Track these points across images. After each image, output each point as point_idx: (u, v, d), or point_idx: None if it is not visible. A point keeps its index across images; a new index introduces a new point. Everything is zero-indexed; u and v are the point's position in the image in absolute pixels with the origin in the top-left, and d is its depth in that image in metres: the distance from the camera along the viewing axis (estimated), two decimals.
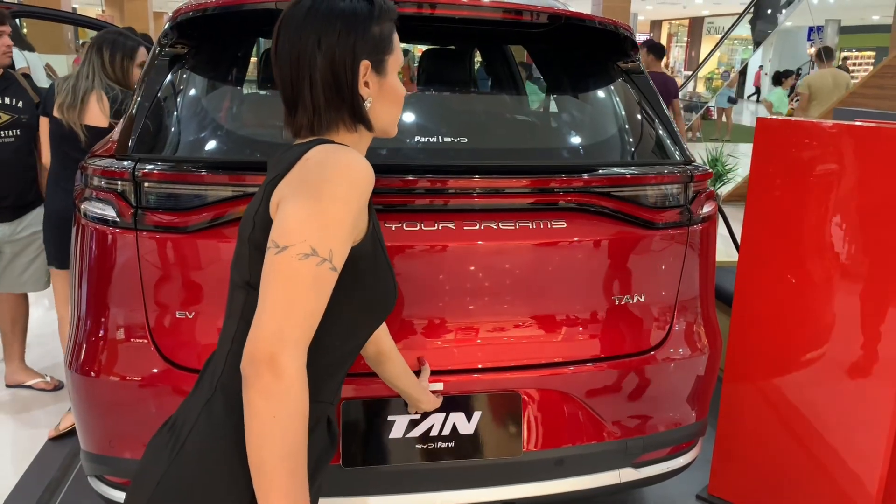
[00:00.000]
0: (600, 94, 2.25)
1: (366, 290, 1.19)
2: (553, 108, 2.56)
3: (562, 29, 2.03)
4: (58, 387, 3.33)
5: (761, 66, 19.78)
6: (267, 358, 0.98)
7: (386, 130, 1.26)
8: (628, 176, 1.89)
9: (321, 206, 1.03)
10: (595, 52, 2.22)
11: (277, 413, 0.99)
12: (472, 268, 1.80)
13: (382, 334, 1.55)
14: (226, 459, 1.07)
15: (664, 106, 2.13)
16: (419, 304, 1.79)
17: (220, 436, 1.09)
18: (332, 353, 1.19)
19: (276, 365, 0.98)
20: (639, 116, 2.11)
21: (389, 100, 1.22)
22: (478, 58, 3.92)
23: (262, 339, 0.99)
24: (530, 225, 1.81)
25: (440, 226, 1.76)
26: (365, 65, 1.16)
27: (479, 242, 1.78)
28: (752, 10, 8.70)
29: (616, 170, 1.93)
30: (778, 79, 12.23)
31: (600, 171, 1.89)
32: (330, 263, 1.02)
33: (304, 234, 1.01)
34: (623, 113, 2.13)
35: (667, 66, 31.37)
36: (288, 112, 1.20)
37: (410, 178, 1.75)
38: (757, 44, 9.71)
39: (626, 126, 2.10)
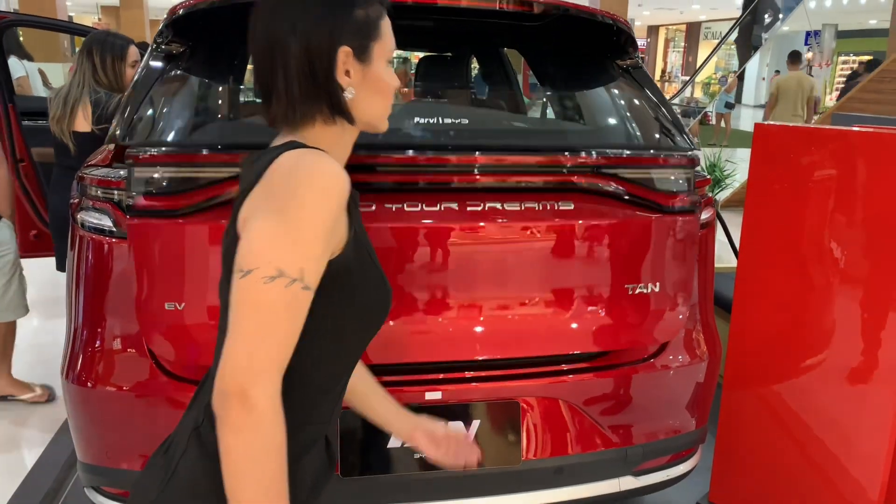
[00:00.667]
0: (601, 93, 2.25)
1: (354, 301, 1.10)
2: (552, 110, 2.55)
3: (560, 22, 2.01)
4: (51, 397, 3.25)
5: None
6: (236, 391, 0.92)
7: (372, 124, 1.16)
8: (630, 155, 1.88)
9: (287, 222, 0.94)
10: (593, 51, 2.21)
11: (250, 449, 0.93)
12: (470, 264, 1.78)
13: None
14: (216, 487, 1.00)
15: (667, 101, 2.13)
16: (412, 299, 1.76)
17: (210, 463, 1.02)
18: (323, 370, 1.12)
19: (246, 399, 0.92)
20: (642, 112, 2.10)
21: (375, 91, 1.12)
22: (474, 65, 3.92)
23: (230, 373, 0.93)
24: (528, 222, 1.79)
25: (442, 206, 1.74)
26: (345, 51, 1.06)
27: (480, 231, 1.76)
28: (747, 17, 8.80)
29: (620, 151, 1.92)
30: None
31: (605, 151, 1.88)
32: (301, 283, 0.95)
33: (270, 255, 0.93)
34: (627, 112, 2.12)
35: (664, 70, 31.51)
36: (264, 102, 1.11)
37: (409, 153, 1.74)
38: (754, 48, 9.76)
39: (632, 124, 2.09)
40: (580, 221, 1.81)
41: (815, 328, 2.16)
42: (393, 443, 1.75)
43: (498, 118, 2.25)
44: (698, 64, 25.74)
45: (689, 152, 1.97)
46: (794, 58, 9.06)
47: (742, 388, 2.34)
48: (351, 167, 1.69)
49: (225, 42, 2.13)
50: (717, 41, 16.03)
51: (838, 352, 2.11)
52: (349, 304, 1.09)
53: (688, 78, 15.97)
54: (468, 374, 1.83)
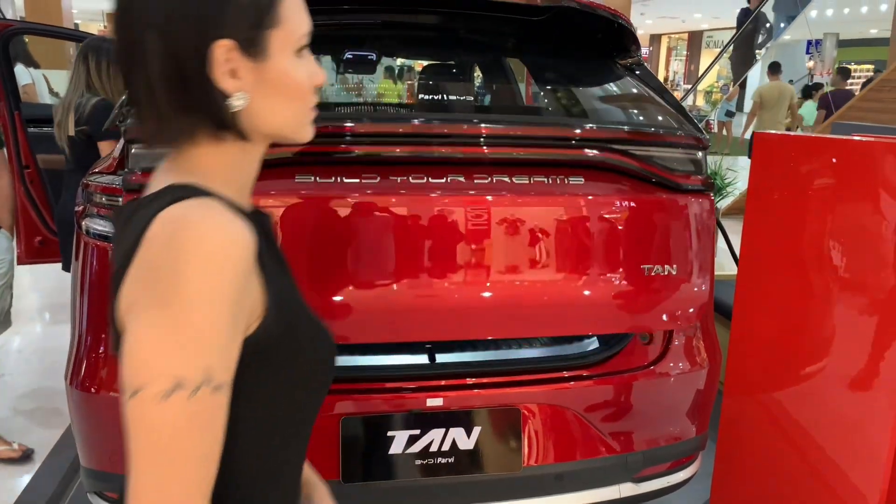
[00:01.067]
0: (605, 92, 2.26)
1: (287, 373, 0.88)
2: (557, 112, 2.56)
3: (562, 17, 2.02)
4: (26, 455, 2.87)
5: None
6: None
7: (282, 135, 0.89)
8: (639, 131, 1.86)
9: (175, 317, 0.73)
10: (595, 51, 2.22)
11: None
12: (474, 236, 1.74)
13: None
14: None
15: (672, 95, 2.14)
16: (416, 272, 1.72)
17: None
18: (269, 457, 0.90)
19: None
20: (648, 107, 2.12)
21: (279, 93, 0.85)
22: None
23: None
24: (537, 195, 1.77)
25: (449, 178, 1.72)
26: (224, 46, 0.80)
27: (487, 204, 1.74)
28: (742, 33, 9.04)
29: (625, 127, 1.90)
30: (808, 92, 12.32)
31: (612, 126, 1.87)
32: (210, 385, 0.74)
33: (160, 364, 0.72)
34: (632, 108, 2.13)
35: (666, 79, 31.59)
36: (135, 116, 0.87)
37: (415, 122, 1.72)
38: (754, 61, 9.92)
39: (639, 118, 2.10)
40: (590, 197, 1.78)
41: (814, 335, 2.17)
42: (394, 449, 1.76)
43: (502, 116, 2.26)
44: (700, 72, 25.82)
45: (699, 134, 1.94)
46: (774, 69, 9.57)
47: (742, 394, 2.35)
48: (351, 135, 1.70)
49: None
50: (718, 50, 16.10)
51: (838, 359, 2.12)
52: (282, 377, 0.88)
53: (690, 86, 16.03)
54: (469, 381, 1.84)
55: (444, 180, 1.72)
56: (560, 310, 1.81)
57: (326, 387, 0.96)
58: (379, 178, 1.69)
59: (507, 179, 1.75)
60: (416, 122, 1.73)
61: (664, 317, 1.91)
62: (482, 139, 1.74)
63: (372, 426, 1.76)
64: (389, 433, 1.76)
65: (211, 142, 0.85)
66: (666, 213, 1.86)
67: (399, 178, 1.70)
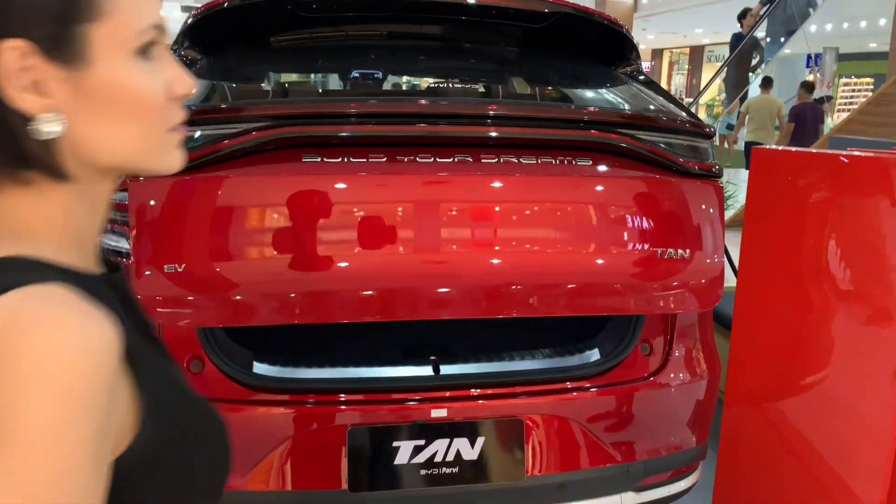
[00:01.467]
0: (609, 94, 2.31)
1: (175, 485, 0.69)
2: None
3: (563, 24, 2.07)
4: None
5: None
6: None
7: (131, 166, 0.65)
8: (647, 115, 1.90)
9: (12, 470, 0.51)
10: (597, 63, 2.27)
11: None
12: (481, 216, 1.74)
13: None
14: None
15: (675, 98, 2.19)
16: (422, 251, 1.72)
17: None
18: None
19: None
20: (652, 105, 2.16)
21: (114, 110, 0.61)
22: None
23: None
24: (544, 176, 1.78)
25: (456, 158, 1.73)
26: (14, 48, 0.56)
27: (494, 184, 1.74)
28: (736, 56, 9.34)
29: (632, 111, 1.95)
30: None
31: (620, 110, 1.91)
32: None
33: None
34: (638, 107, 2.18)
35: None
36: None
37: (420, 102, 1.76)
38: (745, 80, 10.23)
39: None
40: (597, 181, 1.80)
41: (813, 346, 2.19)
42: (400, 459, 1.79)
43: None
44: (702, 86, 25.91)
45: (706, 128, 1.98)
46: (766, 83, 10.34)
47: (743, 404, 2.37)
48: (353, 115, 1.70)
49: (244, 49, 2.24)
50: (720, 63, 16.22)
51: (837, 369, 2.15)
52: (166, 493, 0.68)
53: (692, 100, 16.10)
54: (473, 392, 1.87)
55: (451, 160, 1.72)
56: (562, 288, 1.82)
57: (221, 489, 0.75)
58: (385, 158, 1.70)
59: (514, 160, 1.76)
60: (423, 101, 1.77)
61: (672, 301, 1.91)
62: (489, 120, 1.76)
63: (378, 437, 1.79)
64: (395, 443, 1.78)
65: (18, 186, 0.60)
66: (673, 196, 1.88)
67: (406, 159, 1.70)
